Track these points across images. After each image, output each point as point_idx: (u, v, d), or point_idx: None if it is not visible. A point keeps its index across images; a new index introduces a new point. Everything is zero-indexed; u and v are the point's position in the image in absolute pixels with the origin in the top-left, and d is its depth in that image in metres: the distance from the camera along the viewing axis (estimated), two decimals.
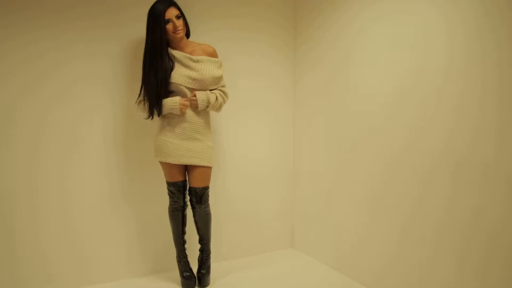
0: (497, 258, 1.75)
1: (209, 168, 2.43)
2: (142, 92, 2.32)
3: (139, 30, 2.47)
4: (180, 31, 2.25)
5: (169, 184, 2.42)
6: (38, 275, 2.37)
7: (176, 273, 2.63)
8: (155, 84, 2.24)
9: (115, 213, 2.56)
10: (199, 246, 2.57)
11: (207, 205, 2.47)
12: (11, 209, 2.29)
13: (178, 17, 2.25)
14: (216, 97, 2.36)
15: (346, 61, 2.57)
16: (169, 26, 2.23)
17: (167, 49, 2.29)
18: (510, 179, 1.69)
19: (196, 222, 2.48)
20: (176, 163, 2.33)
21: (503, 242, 1.72)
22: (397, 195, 2.24)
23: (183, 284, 2.45)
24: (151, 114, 2.32)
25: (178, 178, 2.41)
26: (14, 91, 2.25)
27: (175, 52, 2.30)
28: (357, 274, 2.55)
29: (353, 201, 2.56)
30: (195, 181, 2.40)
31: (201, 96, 2.30)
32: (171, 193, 2.44)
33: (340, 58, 2.62)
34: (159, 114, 2.30)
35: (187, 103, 2.28)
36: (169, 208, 2.47)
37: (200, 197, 2.41)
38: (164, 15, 2.19)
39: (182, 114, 2.29)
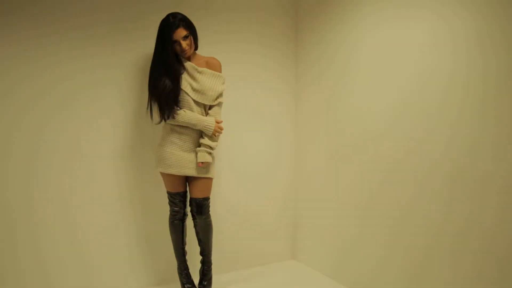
0: (490, 266, 1.77)
1: (210, 179, 2.43)
2: (149, 100, 2.33)
3: (143, 41, 2.51)
4: (186, 52, 2.30)
5: (171, 194, 2.43)
6: (37, 283, 2.35)
7: (177, 285, 2.61)
8: (168, 87, 2.25)
9: (117, 223, 2.56)
10: (200, 258, 2.55)
11: (208, 216, 2.46)
12: (12, 219, 2.28)
13: (185, 38, 2.26)
14: (211, 152, 2.36)
15: (347, 74, 2.58)
16: (177, 47, 2.27)
17: (179, 60, 2.33)
18: (505, 190, 1.72)
19: (197, 233, 2.48)
20: (178, 174, 2.34)
21: (496, 250, 1.75)
22: (398, 205, 2.23)
23: None
24: (162, 117, 2.30)
25: (179, 188, 2.42)
26: (16, 105, 2.26)
27: (184, 63, 2.34)
28: (360, 286, 2.53)
29: (355, 212, 2.55)
30: (195, 192, 2.40)
31: (202, 155, 2.32)
32: (172, 203, 2.44)
33: (341, 71, 2.64)
34: (168, 117, 2.28)
35: (222, 128, 2.37)
36: (169, 218, 2.46)
37: (200, 208, 2.41)
38: (172, 37, 2.23)
39: (215, 136, 2.36)
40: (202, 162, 2.32)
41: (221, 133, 2.37)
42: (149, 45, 2.40)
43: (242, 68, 2.88)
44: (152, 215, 2.65)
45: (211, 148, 2.34)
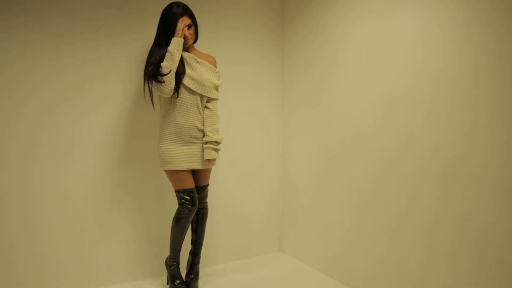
0: (488, 260, 1.76)
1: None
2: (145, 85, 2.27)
3: (142, 34, 2.50)
4: (189, 41, 2.29)
5: (184, 192, 2.32)
6: (32, 279, 2.30)
7: (160, 278, 2.59)
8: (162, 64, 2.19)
9: (111, 217, 2.53)
10: (187, 253, 2.55)
11: (207, 201, 2.54)
12: (7, 212, 2.23)
13: (189, 27, 2.27)
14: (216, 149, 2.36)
15: (333, 67, 2.59)
16: None
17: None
18: (499, 183, 1.71)
19: (195, 221, 2.49)
20: (197, 168, 2.35)
21: (494, 245, 1.73)
22: (386, 199, 2.25)
23: None
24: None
25: (192, 184, 2.36)
26: (16, 99, 2.22)
27: (183, 53, 2.30)
28: (346, 278, 2.55)
29: (341, 204, 2.57)
30: (202, 181, 2.47)
31: (209, 152, 2.32)
32: (185, 202, 2.33)
33: (327, 65, 2.64)
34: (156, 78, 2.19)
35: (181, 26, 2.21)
36: (178, 214, 2.35)
37: (205, 194, 2.50)
38: (176, 25, 2.21)
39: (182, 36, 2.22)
40: (209, 159, 2.34)
41: (182, 29, 2.21)
42: (148, 37, 2.41)
43: (228, 64, 2.84)
44: (148, 209, 2.62)
45: (217, 143, 2.35)
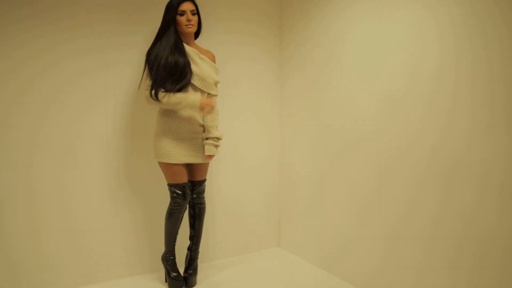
0: (489, 261, 1.74)
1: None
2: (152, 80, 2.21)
3: (137, 30, 2.48)
4: (191, 26, 2.27)
5: (176, 186, 2.33)
6: (34, 277, 2.30)
7: (158, 274, 2.59)
8: (181, 61, 2.21)
9: (110, 213, 2.52)
10: (185, 248, 2.55)
11: (204, 196, 2.54)
12: (9, 211, 2.23)
13: (193, 13, 2.27)
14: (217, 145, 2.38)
15: (331, 61, 2.57)
16: (182, 18, 2.24)
17: (181, 39, 2.30)
18: (502, 184, 1.69)
19: (192, 216, 2.49)
20: (194, 162, 2.35)
21: (495, 245, 1.72)
22: (386, 194, 2.24)
23: (170, 284, 2.40)
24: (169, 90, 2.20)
25: (185, 178, 2.37)
26: (11, 92, 2.19)
27: (186, 48, 2.30)
28: (345, 274, 2.55)
29: (340, 200, 2.57)
30: (199, 175, 2.47)
31: (210, 148, 2.34)
32: (177, 196, 2.34)
33: (325, 58, 2.63)
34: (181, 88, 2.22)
35: (211, 102, 2.27)
36: (170, 210, 2.37)
37: (202, 189, 2.50)
38: (179, 6, 2.22)
39: (206, 112, 2.30)
40: (209, 155, 2.35)
41: (210, 107, 2.28)
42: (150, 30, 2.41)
43: (226, 57, 2.82)
44: (147, 204, 2.63)
45: (218, 139, 2.36)
